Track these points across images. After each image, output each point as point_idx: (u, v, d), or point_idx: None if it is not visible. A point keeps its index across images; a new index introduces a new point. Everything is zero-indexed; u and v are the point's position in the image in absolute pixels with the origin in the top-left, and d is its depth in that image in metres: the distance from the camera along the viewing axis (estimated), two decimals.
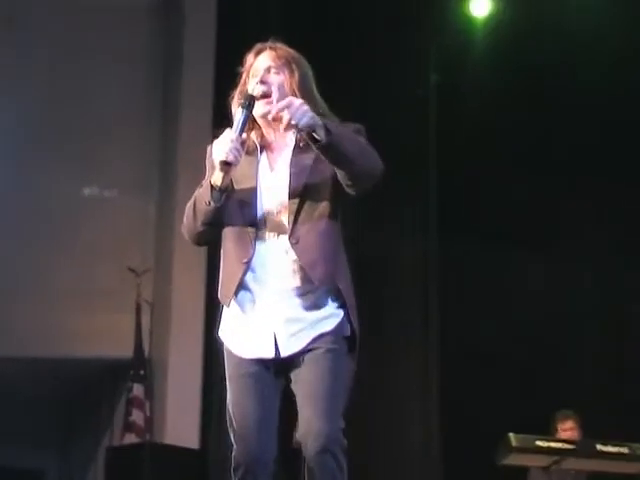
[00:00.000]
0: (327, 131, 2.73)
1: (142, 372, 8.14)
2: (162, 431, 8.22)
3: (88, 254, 8.41)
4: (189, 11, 8.69)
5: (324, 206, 2.88)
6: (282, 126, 2.76)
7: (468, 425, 7.53)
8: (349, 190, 2.85)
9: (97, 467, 8.98)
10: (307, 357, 2.83)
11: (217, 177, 2.84)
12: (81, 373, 9.37)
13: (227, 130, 2.87)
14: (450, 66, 7.99)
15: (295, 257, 2.84)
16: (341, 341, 2.85)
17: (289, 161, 2.93)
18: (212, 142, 2.99)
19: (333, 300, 2.87)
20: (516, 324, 7.94)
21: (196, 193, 2.93)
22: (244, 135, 2.87)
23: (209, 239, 3.01)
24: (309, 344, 2.83)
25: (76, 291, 8.38)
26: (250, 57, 3.01)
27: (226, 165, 2.82)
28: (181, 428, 8.17)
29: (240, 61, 3.03)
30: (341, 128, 2.83)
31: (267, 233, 2.89)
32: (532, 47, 7.62)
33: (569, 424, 6.90)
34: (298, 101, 2.76)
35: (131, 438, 8.02)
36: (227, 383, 2.94)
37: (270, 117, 2.84)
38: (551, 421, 6.94)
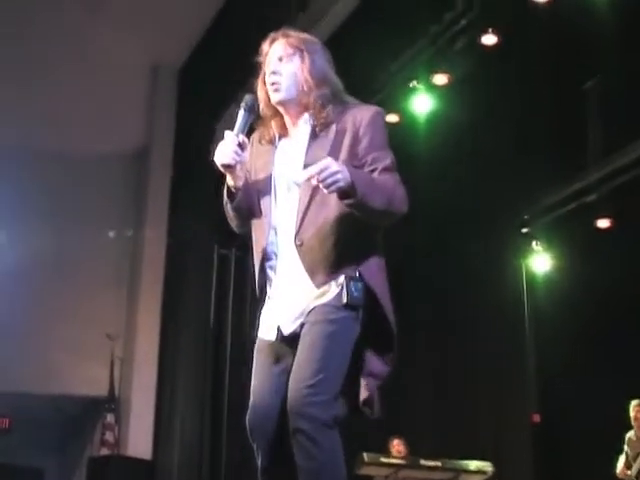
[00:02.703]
0: (355, 191, 2.53)
1: (113, 406, 9.81)
2: (126, 447, 9.68)
3: (81, 326, 9.99)
4: (152, 160, 10.24)
5: (333, 206, 2.67)
6: (307, 178, 2.57)
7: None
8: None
9: (82, 470, 10.34)
10: (302, 332, 2.67)
11: (228, 179, 2.75)
12: (72, 405, 10.93)
13: (228, 133, 2.71)
14: None
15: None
16: (336, 310, 2.65)
17: (304, 152, 2.75)
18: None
19: (334, 279, 2.67)
20: None
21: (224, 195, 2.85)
22: (241, 137, 2.70)
23: (246, 228, 2.86)
24: (305, 318, 2.67)
25: (70, 349, 9.94)
26: (265, 46, 2.83)
27: (226, 167, 2.69)
28: (139, 445, 9.65)
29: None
30: (371, 183, 2.61)
31: (280, 220, 2.74)
32: None
33: (401, 445, 7.90)
34: (333, 167, 2.52)
35: (105, 451, 9.55)
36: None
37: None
38: (387, 441, 7.89)
